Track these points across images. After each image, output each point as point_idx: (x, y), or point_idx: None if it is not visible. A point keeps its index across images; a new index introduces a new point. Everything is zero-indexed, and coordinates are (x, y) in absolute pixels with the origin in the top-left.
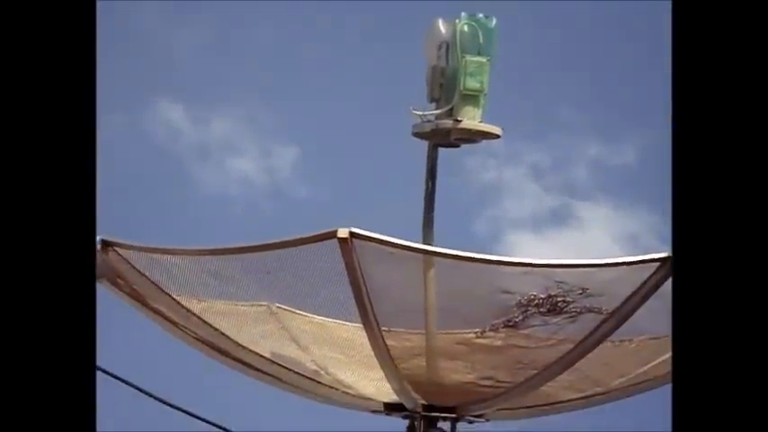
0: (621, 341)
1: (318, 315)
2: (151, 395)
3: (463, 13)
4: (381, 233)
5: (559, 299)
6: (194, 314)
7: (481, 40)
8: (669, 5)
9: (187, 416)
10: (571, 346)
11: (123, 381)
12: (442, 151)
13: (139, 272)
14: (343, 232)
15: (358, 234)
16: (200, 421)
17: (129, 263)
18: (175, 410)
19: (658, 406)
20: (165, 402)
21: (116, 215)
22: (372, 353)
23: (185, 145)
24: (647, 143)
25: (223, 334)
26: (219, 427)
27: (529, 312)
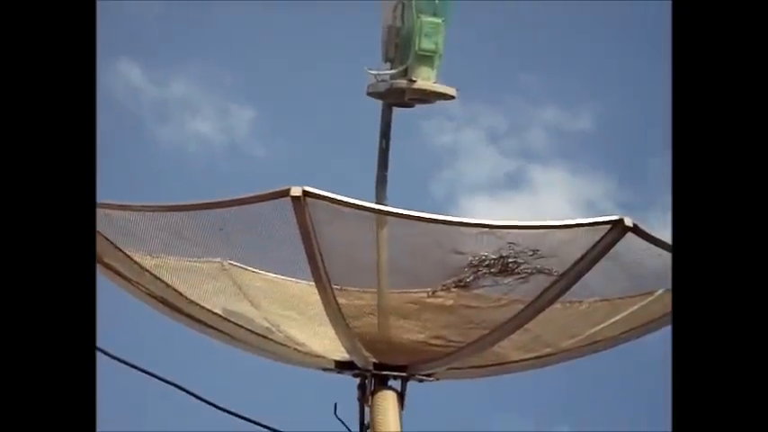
0: (572, 302)
1: (271, 272)
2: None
3: None
4: (337, 192)
5: (510, 260)
6: (147, 270)
7: (437, 1)
8: None
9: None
10: (522, 306)
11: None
12: (401, 114)
13: None
14: (296, 191)
15: (311, 193)
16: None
17: None
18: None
19: (610, 367)
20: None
21: None
22: (324, 311)
23: (144, 103)
24: (605, 109)
25: (175, 290)
26: (179, 387)
27: (480, 273)
